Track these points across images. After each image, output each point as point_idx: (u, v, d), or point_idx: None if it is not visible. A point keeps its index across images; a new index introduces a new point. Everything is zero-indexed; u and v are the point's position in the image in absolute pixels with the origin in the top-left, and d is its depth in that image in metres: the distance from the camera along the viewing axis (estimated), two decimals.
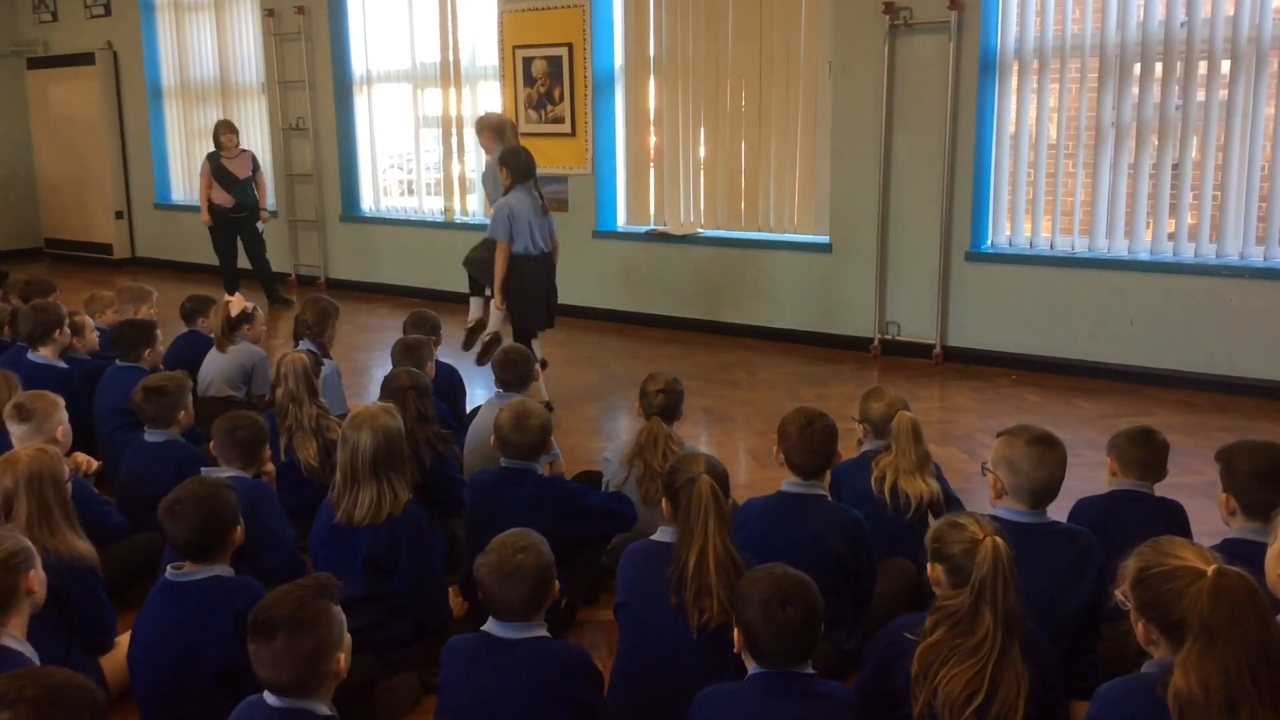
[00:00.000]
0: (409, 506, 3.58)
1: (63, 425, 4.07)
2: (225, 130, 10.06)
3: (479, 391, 6.70)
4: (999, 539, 2.53)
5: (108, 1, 13.02)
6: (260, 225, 10.32)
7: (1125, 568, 2.41)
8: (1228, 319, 6.82)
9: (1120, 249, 7.28)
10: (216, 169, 9.95)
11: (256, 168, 10.23)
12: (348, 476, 3.53)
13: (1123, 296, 7.17)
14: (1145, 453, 3.63)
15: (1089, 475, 4.34)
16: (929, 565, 2.71)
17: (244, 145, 10.58)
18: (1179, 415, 6.45)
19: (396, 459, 3.58)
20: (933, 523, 2.78)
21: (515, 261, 6.55)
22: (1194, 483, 4.78)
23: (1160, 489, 3.67)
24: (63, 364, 5.42)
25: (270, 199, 11.02)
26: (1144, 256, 7.18)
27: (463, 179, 10.64)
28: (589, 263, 9.54)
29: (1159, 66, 7.00)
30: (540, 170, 9.62)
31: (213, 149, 10.15)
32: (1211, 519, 3.54)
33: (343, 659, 2.46)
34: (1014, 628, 2.49)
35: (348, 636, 2.49)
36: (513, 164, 6.73)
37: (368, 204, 11.43)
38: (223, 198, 9.96)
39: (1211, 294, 6.87)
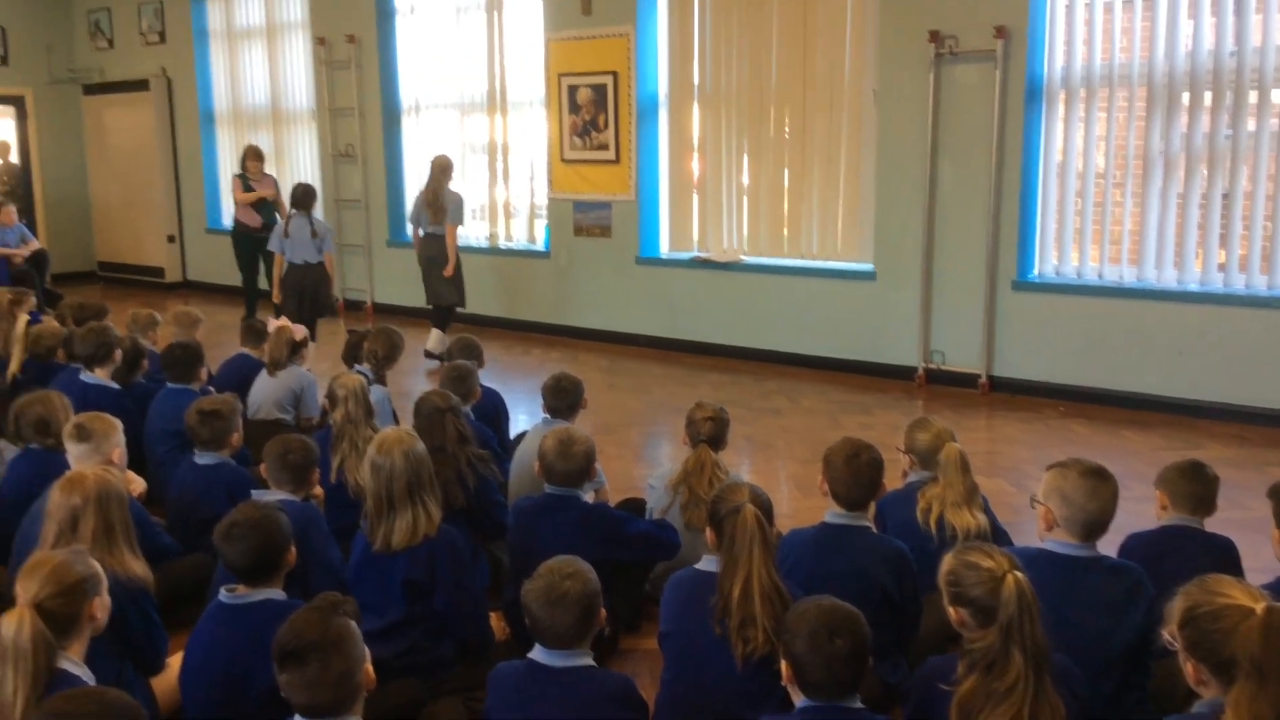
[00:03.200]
0: (443, 527, 3.60)
1: (119, 448, 4.13)
2: (253, 156, 10.41)
3: (520, 416, 6.76)
4: (1018, 573, 2.52)
5: (163, 29, 13.31)
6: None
7: (1172, 607, 2.38)
8: (1279, 352, 6.72)
9: (1169, 279, 7.21)
10: (247, 189, 10.24)
11: (278, 191, 10.51)
12: (382, 503, 3.54)
13: (1172, 328, 7.09)
14: (1196, 486, 3.59)
15: (1137, 509, 4.29)
16: (951, 609, 2.69)
17: (296, 171, 10.87)
18: (1231, 449, 6.36)
19: (426, 480, 3.60)
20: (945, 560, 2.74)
21: (288, 268, 9.04)
22: (1246, 518, 4.71)
23: (1211, 524, 3.63)
24: (115, 385, 5.52)
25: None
26: (1193, 287, 7.11)
27: (507, 205, 10.73)
28: (631, 289, 9.59)
29: (1208, 95, 6.95)
30: (583, 196, 9.83)
31: (239, 171, 10.44)
32: (1264, 555, 3.51)
33: (369, 670, 2.51)
34: (1043, 663, 2.48)
35: (366, 648, 2.53)
36: (292, 196, 9.21)
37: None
38: (251, 218, 10.28)
39: (1263, 326, 6.77)
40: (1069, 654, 2.68)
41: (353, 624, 2.50)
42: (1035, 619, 2.48)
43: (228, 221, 13.03)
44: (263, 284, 10.55)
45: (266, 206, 10.38)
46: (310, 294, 8.99)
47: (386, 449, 3.58)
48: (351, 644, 2.45)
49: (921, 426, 4.10)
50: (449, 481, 4.03)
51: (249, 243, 10.40)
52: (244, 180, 10.31)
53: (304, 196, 9.10)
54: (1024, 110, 7.46)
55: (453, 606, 3.57)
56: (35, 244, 11.68)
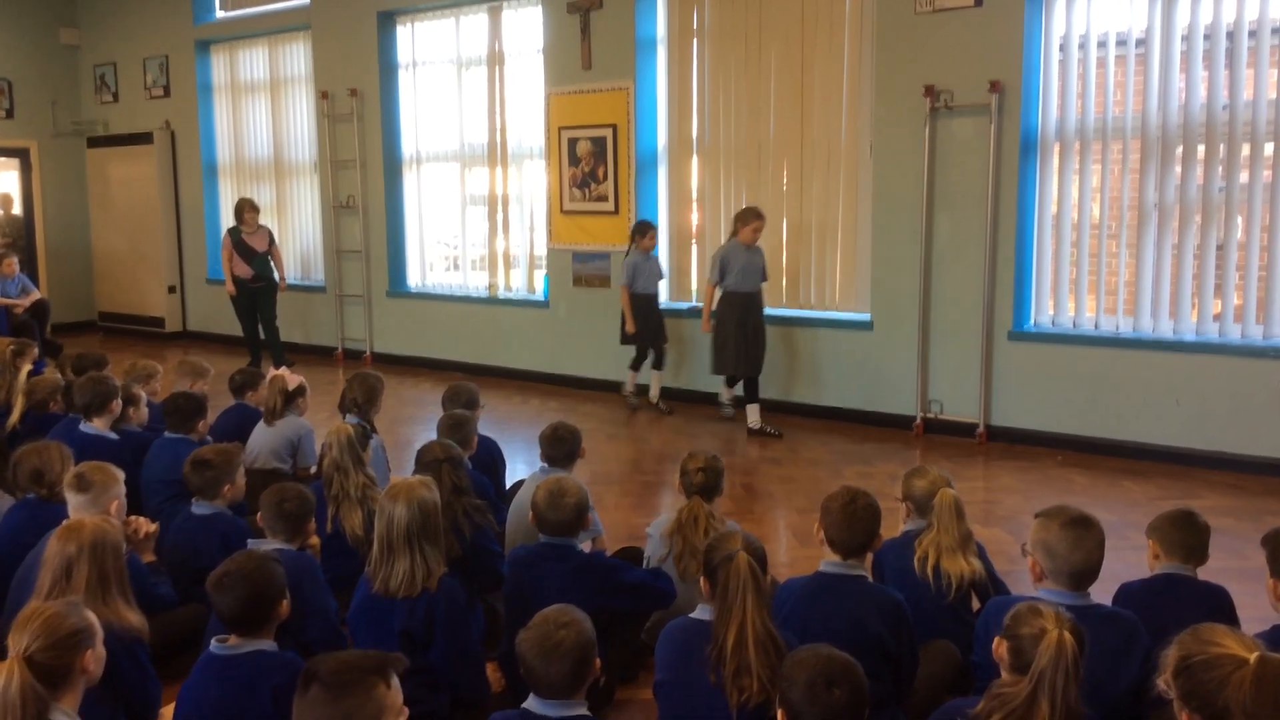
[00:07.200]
0: (444, 581, 3.59)
1: (118, 500, 4.11)
2: (249, 208, 10.68)
3: (519, 465, 6.76)
4: (1068, 635, 2.48)
5: (167, 83, 13.47)
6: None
7: (1166, 656, 2.37)
8: (1275, 401, 6.74)
9: (1165, 330, 7.24)
10: (238, 243, 10.56)
11: (272, 241, 10.83)
12: (384, 547, 3.56)
13: (1169, 377, 7.12)
14: (1187, 535, 3.58)
15: (1135, 559, 4.27)
16: (997, 640, 2.68)
17: (297, 222, 11.01)
18: (1227, 498, 6.35)
19: (431, 531, 3.60)
20: (978, 603, 2.74)
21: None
22: (1243, 567, 4.70)
23: (1207, 573, 3.62)
24: (113, 435, 5.52)
25: (288, 270, 11.61)
26: (1189, 338, 7.14)
27: (507, 255, 10.80)
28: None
29: (1201, 148, 7.03)
30: (582, 247, 9.92)
31: (233, 224, 10.62)
32: (1261, 605, 3.49)
33: None
34: None
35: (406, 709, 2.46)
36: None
37: (414, 280, 11.62)
38: (243, 270, 10.59)
39: (1259, 376, 6.80)
40: None
41: (380, 688, 2.41)
42: (1072, 683, 2.44)
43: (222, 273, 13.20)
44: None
45: (259, 258, 10.56)
46: (654, 321, 9.00)
47: (393, 495, 3.61)
48: (362, 699, 2.37)
49: (918, 474, 4.10)
50: (445, 531, 4.03)
51: (245, 293, 10.59)
52: (236, 235, 10.50)
53: (631, 232, 9.03)
54: (1019, 163, 7.53)
55: (449, 660, 3.56)
56: (36, 294, 11.74)
